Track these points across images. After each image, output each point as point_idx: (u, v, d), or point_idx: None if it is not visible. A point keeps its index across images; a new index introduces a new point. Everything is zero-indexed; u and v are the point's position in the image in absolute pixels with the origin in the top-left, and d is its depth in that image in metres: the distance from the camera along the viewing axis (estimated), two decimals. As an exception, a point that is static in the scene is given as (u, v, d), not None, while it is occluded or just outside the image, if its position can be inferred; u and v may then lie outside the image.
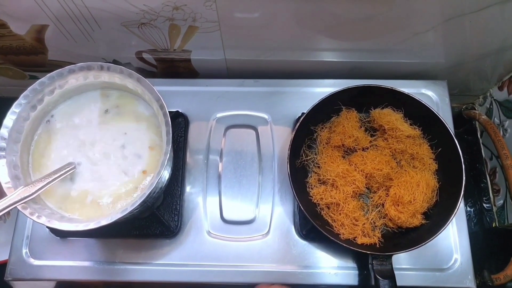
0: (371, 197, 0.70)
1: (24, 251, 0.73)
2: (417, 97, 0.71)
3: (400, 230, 0.68)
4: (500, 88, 0.89)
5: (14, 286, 0.74)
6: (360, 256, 0.70)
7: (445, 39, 0.76)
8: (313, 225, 0.65)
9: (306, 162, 0.73)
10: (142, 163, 0.65)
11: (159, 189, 0.66)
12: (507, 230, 0.87)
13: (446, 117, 0.79)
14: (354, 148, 0.73)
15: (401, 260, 0.71)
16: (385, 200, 0.69)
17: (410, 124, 0.73)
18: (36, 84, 0.63)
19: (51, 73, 0.64)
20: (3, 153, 0.60)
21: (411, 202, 0.67)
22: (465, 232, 0.73)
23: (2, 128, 0.61)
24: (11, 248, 0.73)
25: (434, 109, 0.70)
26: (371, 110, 0.75)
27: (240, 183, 0.77)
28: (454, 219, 0.66)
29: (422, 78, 0.84)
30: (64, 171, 0.63)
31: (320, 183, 0.71)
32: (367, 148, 0.73)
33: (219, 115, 0.82)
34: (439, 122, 0.69)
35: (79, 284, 0.74)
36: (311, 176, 0.72)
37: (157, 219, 0.72)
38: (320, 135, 0.74)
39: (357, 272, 0.71)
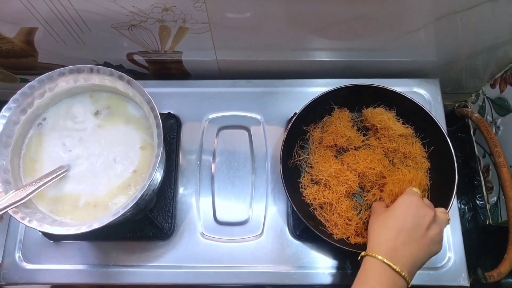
0: (365, 196, 0.70)
1: (17, 255, 0.73)
2: (409, 96, 0.71)
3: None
4: (492, 86, 0.89)
5: (8, 291, 0.74)
6: (353, 256, 0.70)
7: (436, 37, 0.76)
8: (306, 226, 0.65)
9: (299, 162, 0.73)
10: (134, 164, 0.65)
11: (151, 191, 0.66)
12: (501, 227, 0.87)
13: (439, 116, 0.79)
14: (346, 147, 0.73)
15: (395, 259, 0.71)
16: (379, 198, 0.69)
17: (403, 123, 0.73)
18: (25, 88, 0.63)
19: (41, 76, 0.64)
20: (-7, 158, 0.60)
21: None
22: (458, 230, 0.73)
23: (-9, 133, 0.61)
24: (4, 252, 0.73)
25: (426, 107, 0.70)
26: (363, 109, 0.75)
27: (233, 184, 0.77)
28: (447, 217, 0.66)
29: (414, 77, 0.84)
30: (55, 174, 0.62)
31: (313, 183, 0.71)
32: (360, 148, 0.73)
33: (211, 116, 0.82)
34: (432, 121, 0.70)
35: (73, 287, 0.74)
36: (303, 177, 0.72)
37: (150, 221, 0.72)
38: (313, 135, 0.74)
39: (351, 272, 0.71)
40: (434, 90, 0.83)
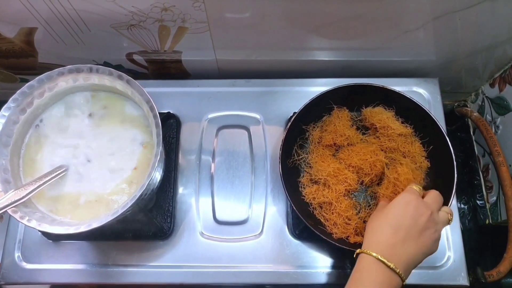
0: (367, 190, 0.70)
1: (16, 255, 0.73)
2: (408, 95, 0.71)
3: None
4: (492, 85, 0.89)
5: (7, 291, 0.74)
6: (353, 255, 0.70)
7: (435, 36, 0.76)
8: (306, 225, 0.65)
9: (298, 162, 0.73)
10: (133, 163, 0.65)
11: (150, 191, 0.66)
12: (500, 226, 0.87)
13: (438, 115, 0.79)
14: (345, 146, 0.73)
15: (394, 258, 0.71)
16: (378, 194, 0.68)
17: (402, 122, 0.73)
18: (25, 87, 0.63)
19: (40, 76, 0.64)
20: (-8, 157, 0.60)
21: None
22: (457, 229, 0.73)
23: (-9, 132, 0.61)
24: (3, 252, 0.73)
25: (425, 107, 0.70)
26: (363, 108, 0.75)
27: (233, 183, 0.77)
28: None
29: (413, 76, 0.84)
30: (55, 173, 0.63)
31: (313, 183, 0.71)
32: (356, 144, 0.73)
33: (211, 115, 0.82)
34: (431, 120, 0.70)
35: (72, 287, 0.74)
36: (303, 176, 0.72)
37: (149, 220, 0.72)
38: (312, 135, 0.74)
39: (350, 271, 0.70)
40: (433, 89, 0.83)
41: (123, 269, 0.72)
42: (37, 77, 0.63)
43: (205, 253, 0.72)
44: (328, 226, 0.67)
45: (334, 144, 0.72)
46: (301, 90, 0.83)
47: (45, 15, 0.69)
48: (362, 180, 0.70)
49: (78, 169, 0.65)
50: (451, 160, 0.66)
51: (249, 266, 0.71)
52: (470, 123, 0.97)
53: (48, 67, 0.85)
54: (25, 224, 0.57)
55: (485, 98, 0.92)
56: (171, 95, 0.83)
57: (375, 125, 0.73)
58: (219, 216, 0.75)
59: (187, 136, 0.80)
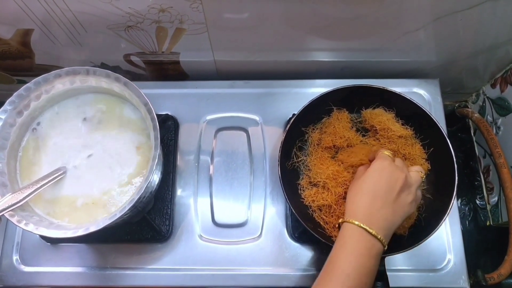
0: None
1: (14, 257, 0.73)
2: (408, 96, 0.70)
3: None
4: (493, 86, 0.89)
5: (5, 293, 0.73)
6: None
7: (436, 37, 0.75)
8: (305, 228, 0.64)
9: (297, 164, 0.72)
10: (131, 165, 0.65)
11: (149, 194, 0.65)
12: (501, 228, 0.87)
13: (439, 116, 0.79)
14: (345, 148, 0.72)
15: (394, 261, 0.71)
16: None
17: (402, 124, 0.73)
18: (21, 90, 0.62)
19: (37, 78, 0.63)
20: (-11, 161, 0.60)
21: None
22: (458, 232, 0.73)
23: (-13, 135, 0.60)
24: (1, 255, 0.73)
25: (426, 108, 0.70)
26: (363, 110, 0.75)
27: (232, 185, 0.76)
28: (447, 219, 0.66)
29: (414, 77, 0.84)
30: (52, 177, 0.62)
31: (312, 185, 0.70)
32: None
33: (209, 117, 0.81)
34: (431, 122, 0.69)
35: (70, 290, 0.73)
36: (302, 178, 0.71)
37: (148, 223, 0.72)
38: (311, 136, 0.73)
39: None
40: (433, 90, 0.82)
41: (122, 272, 0.71)
42: (34, 79, 0.63)
43: (203, 255, 0.72)
44: (328, 229, 0.66)
45: (334, 146, 0.71)
46: (300, 91, 0.83)
47: (41, 16, 0.68)
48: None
49: (76, 172, 0.65)
50: (452, 162, 0.66)
51: (248, 269, 0.71)
52: (470, 124, 0.96)
53: (45, 68, 0.84)
54: (22, 228, 0.56)
55: (486, 99, 0.91)
56: (169, 97, 0.83)
57: (375, 127, 0.72)
58: (218, 219, 0.74)
59: (186, 138, 0.80)
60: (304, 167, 0.72)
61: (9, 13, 0.68)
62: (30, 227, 0.57)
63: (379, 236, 0.53)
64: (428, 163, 0.71)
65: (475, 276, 0.72)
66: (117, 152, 0.66)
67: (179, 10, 0.67)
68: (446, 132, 0.68)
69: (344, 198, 0.68)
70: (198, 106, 0.82)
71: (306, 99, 0.71)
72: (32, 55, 0.80)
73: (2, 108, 0.62)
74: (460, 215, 0.75)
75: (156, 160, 0.60)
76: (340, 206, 0.67)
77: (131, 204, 0.58)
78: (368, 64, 0.84)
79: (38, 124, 0.67)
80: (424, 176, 0.62)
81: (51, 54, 0.80)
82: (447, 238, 0.72)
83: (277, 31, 0.74)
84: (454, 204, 0.68)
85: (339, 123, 0.72)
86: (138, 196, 0.58)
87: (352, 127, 0.74)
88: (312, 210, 0.68)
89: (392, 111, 0.73)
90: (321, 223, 0.67)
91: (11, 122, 0.63)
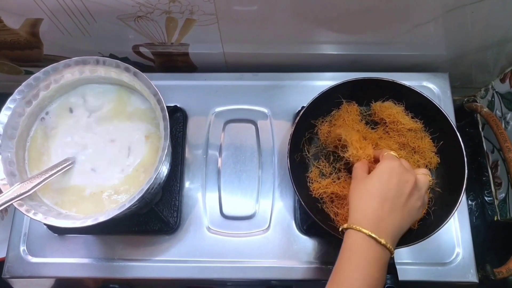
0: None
1: (21, 248, 0.72)
2: (418, 89, 0.70)
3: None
4: (502, 80, 0.88)
5: (12, 284, 0.73)
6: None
7: (446, 30, 0.75)
8: (313, 220, 0.64)
9: (306, 156, 0.72)
10: (140, 156, 0.65)
11: (157, 185, 0.65)
12: (509, 223, 0.87)
13: (448, 110, 0.78)
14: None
15: (403, 255, 0.70)
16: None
17: (412, 117, 0.72)
18: (31, 79, 0.62)
19: (46, 67, 0.63)
20: (-2, 150, 0.60)
21: None
22: (467, 226, 0.72)
23: (-4, 124, 0.60)
24: (9, 246, 0.73)
25: (435, 101, 0.69)
26: (372, 103, 0.74)
27: (240, 178, 0.76)
28: (456, 213, 0.65)
29: (423, 71, 0.83)
30: (61, 167, 0.62)
31: (321, 177, 0.70)
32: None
33: (218, 109, 0.81)
34: (441, 115, 0.68)
35: (78, 281, 0.73)
36: (311, 171, 0.71)
37: (156, 215, 0.72)
38: (321, 129, 0.73)
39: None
40: (443, 84, 0.82)
41: (129, 263, 0.71)
42: (43, 69, 0.63)
43: (211, 248, 0.72)
44: (338, 221, 0.66)
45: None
46: (309, 84, 0.82)
47: (51, 6, 0.68)
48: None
49: (84, 162, 0.65)
50: (462, 156, 0.65)
51: (256, 261, 0.71)
52: (479, 118, 0.96)
53: (53, 59, 0.84)
54: (31, 218, 0.56)
55: (495, 94, 0.91)
56: (178, 89, 0.82)
57: (385, 120, 0.72)
58: (226, 211, 0.74)
59: (194, 130, 0.79)
60: (314, 159, 0.72)
61: (19, 2, 0.67)
62: (39, 217, 0.57)
63: (388, 246, 0.50)
64: (437, 156, 0.70)
65: (484, 270, 0.72)
66: (125, 141, 0.66)
67: (189, 1, 0.66)
68: (455, 126, 0.68)
69: None
70: (207, 98, 0.82)
71: (315, 92, 0.70)
72: (41, 45, 0.80)
73: (11, 98, 0.62)
74: (467, 212, 0.75)
75: (166, 150, 0.59)
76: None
77: (140, 195, 0.58)
78: (378, 58, 0.84)
79: (47, 113, 0.67)
80: (432, 180, 0.58)
81: (59, 45, 0.80)
82: (455, 232, 0.72)
83: (287, 23, 0.74)
84: (464, 197, 0.68)
85: (349, 116, 0.72)
86: (147, 187, 0.58)
87: (362, 120, 0.73)
88: (322, 202, 0.68)
89: (401, 104, 0.73)
90: (331, 215, 0.67)
91: (20, 111, 0.63)
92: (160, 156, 0.60)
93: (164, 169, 0.67)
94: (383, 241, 0.49)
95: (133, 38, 0.78)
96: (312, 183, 0.70)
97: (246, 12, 0.70)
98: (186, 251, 0.72)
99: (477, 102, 0.96)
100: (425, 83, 0.82)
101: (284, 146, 0.75)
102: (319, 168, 0.71)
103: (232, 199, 0.75)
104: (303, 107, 0.71)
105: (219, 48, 0.81)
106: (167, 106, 0.61)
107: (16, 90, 0.62)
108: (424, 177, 0.56)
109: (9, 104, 0.62)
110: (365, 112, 0.75)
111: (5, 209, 0.93)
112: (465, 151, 0.66)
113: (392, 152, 0.58)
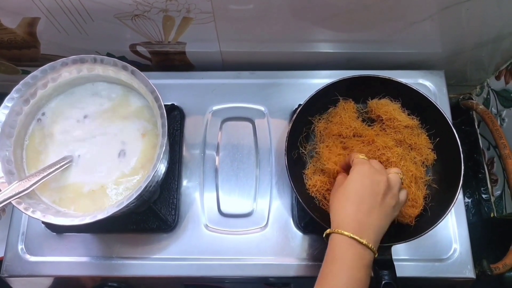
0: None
1: (20, 247, 0.72)
2: (414, 86, 0.71)
3: (399, 220, 0.68)
4: (497, 78, 0.89)
5: (11, 283, 0.73)
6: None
7: (441, 28, 0.75)
8: (311, 218, 0.64)
9: (303, 153, 0.73)
10: (137, 152, 0.65)
11: (155, 183, 0.65)
12: (505, 220, 0.87)
13: (444, 107, 0.78)
14: (352, 137, 0.72)
15: (400, 251, 0.71)
16: None
17: (408, 114, 0.73)
18: (28, 78, 0.62)
19: (44, 66, 0.63)
20: (-4, 148, 0.60)
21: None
22: (464, 222, 0.73)
23: (-6, 123, 0.60)
24: (7, 245, 0.73)
25: (431, 98, 0.70)
26: (369, 100, 0.75)
27: (237, 176, 0.76)
28: (453, 209, 0.66)
29: (419, 68, 0.84)
30: (59, 165, 0.62)
31: (316, 174, 0.70)
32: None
33: (215, 107, 0.81)
34: (437, 112, 0.69)
35: (76, 279, 0.73)
36: (307, 168, 0.71)
37: (154, 213, 0.72)
38: (318, 126, 0.73)
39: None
40: (439, 81, 0.82)
41: (127, 261, 0.71)
42: (40, 68, 0.63)
43: (209, 245, 0.72)
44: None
45: (340, 135, 0.71)
46: (306, 82, 0.83)
47: (48, 4, 0.68)
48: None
49: (82, 160, 0.65)
50: (458, 152, 0.66)
51: (254, 258, 0.71)
52: (474, 116, 0.96)
53: (51, 58, 0.83)
54: (29, 216, 0.56)
55: (490, 91, 0.91)
56: (175, 87, 0.83)
57: (381, 117, 0.72)
58: (224, 209, 0.74)
59: (191, 129, 0.80)
60: (310, 156, 0.72)
61: (16, 2, 0.67)
62: (37, 215, 0.57)
63: (370, 245, 0.51)
64: (434, 153, 0.71)
65: (481, 266, 0.72)
66: (123, 139, 0.66)
67: (186, -1, 0.67)
68: (452, 122, 0.68)
69: None
70: (204, 97, 0.82)
71: (311, 90, 0.71)
72: (38, 44, 0.80)
73: (9, 96, 0.62)
74: (464, 208, 0.75)
75: (164, 147, 0.60)
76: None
77: (138, 192, 0.58)
78: (374, 56, 0.84)
79: (43, 114, 0.67)
80: (403, 177, 0.60)
81: (56, 44, 0.80)
82: (452, 228, 0.72)
83: (283, 22, 0.74)
84: (460, 193, 0.68)
85: (346, 113, 0.72)
86: (145, 184, 0.58)
87: (358, 117, 0.74)
88: (319, 200, 0.69)
89: (398, 101, 0.73)
90: (328, 212, 0.67)
91: (18, 110, 0.63)
92: (158, 154, 0.60)
93: (162, 167, 0.67)
94: (364, 241, 0.51)
95: (130, 37, 0.78)
96: (308, 180, 0.70)
97: (242, 10, 0.71)
98: (184, 249, 0.72)
99: (472, 99, 0.97)
100: (421, 81, 0.82)
101: (281, 144, 0.75)
102: (314, 165, 0.71)
103: (230, 197, 0.75)
104: (300, 105, 0.71)
105: (216, 46, 0.81)
106: (164, 105, 0.62)
107: (14, 89, 0.62)
108: (395, 175, 0.58)
109: (7, 102, 0.62)
110: (362, 109, 0.75)
111: (3, 209, 0.94)
112: (461, 147, 0.66)
113: (360, 156, 0.59)
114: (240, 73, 0.84)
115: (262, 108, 0.81)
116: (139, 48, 0.83)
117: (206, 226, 0.73)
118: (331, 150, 0.70)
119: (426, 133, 0.72)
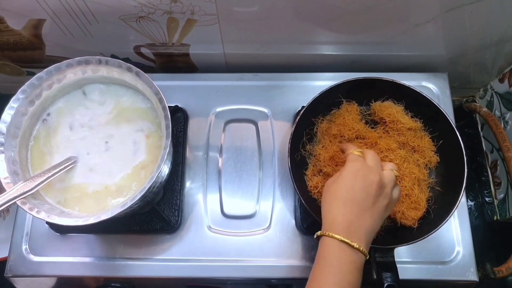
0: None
1: (24, 247, 0.73)
2: (418, 89, 0.71)
3: (402, 222, 0.68)
4: (501, 80, 0.89)
5: (15, 283, 0.73)
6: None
7: (445, 30, 0.75)
8: (314, 219, 0.64)
9: (306, 155, 0.73)
10: (141, 154, 0.65)
11: (159, 184, 0.66)
12: (509, 223, 0.87)
13: (447, 110, 0.79)
14: (354, 139, 0.72)
15: (403, 253, 0.71)
16: None
17: (411, 117, 0.73)
18: (34, 79, 0.63)
19: (49, 67, 0.63)
20: (1, 148, 0.60)
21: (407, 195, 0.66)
22: (467, 225, 0.73)
23: (0, 123, 0.61)
24: (11, 245, 0.73)
25: (435, 101, 0.70)
26: (372, 103, 0.75)
27: (241, 178, 0.76)
28: (456, 211, 0.66)
29: (422, 71, 0.84)
30: (63, 166, 0.62)
31: (316, 175, 0.70)
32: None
33: (218, 109, 0.81)
34: (440, 114, 0.69)
35: (79, 280, 0.73)
36: (308, 168, 0.71)
37: (157, 214, 0.72)
38: (320, 127, 0.73)
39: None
40: (442, 84, 0.82)
41: (130, 262, 0.71)
42: (46, 69, 0.63)
43: (212, 247, 0.72)
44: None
45: (342, 136, 0.71)
46: (309, 84, 0.83)
47: (54, 6, 0.69)
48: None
49: (87, 161, 0.65)
50: (461, 154, 0.66)
51: (256, 260, 0.71)
52: (478, 118, 0.96)
53: (55, 60, 0.84)
54: (34, 216, 0.57)
55: (494, 94, 0.91)
56: (179, 89, 0.83)
57: (385, 119, 0.72)
58: (227, 210, 0.74)
59: (195, 130, 0.80)
60: (310, 157, 0.72)
61: (22, 3, 0.68)
62: (42, 215, 0.57)
63: (361, 249, 0.50)
64: (437, 155, 0.71)
65: (484, 269, 0.72)
66: (126, 140, 0.66)
67: (191, 1, 0.67)
68: (455, 125, 0.68)
69: None
70: (207, 98, 0.82)
71: (315, 92, 0.71)
72: (43, 46, 0.80)
73: (14, 97, 0.62)
74: (467, 211, 0.75)
75: (168, 149, 0.60)
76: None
77: (142, 193, 0.58)
78: (378, 58, 0.84)
79: (48, 115, 0.68)
80: (398, 174, 0.58)
81: (61, 45, 0.80)
82: (455, 231, 0.72)
83: (287, 24, 0.74)
84: (463, 196, 0.68)
85: (349, 115, 0.72)
86: (149, 185, 0.58)
87: (362, 119, 0.74)
88: (320, 202, 0.68)
89: (401, 103, 0.74)
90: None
91: (23, 111, 0.63)
92: (162, 155, 0.60)
93: (166, 168, 0.67)
94: (355, 245, 0.50)
95: (134, 39, 0.79)
96: (309, 181, 0.70)
97: (247, 12, 0.71)
98: (187, 250, 0.72)
99: (476, 102, 0.96)
100: (424, 83, 0.83)
101: (284, 146, 0.75)
102: (315, 165, 0.71)
103: (233, 199, 0.75)
104: (303, 106, 0.72)
105: (219, 48, 0.82)
106: (168, 106, 0.62)
107: (19, 90, 0.62)
108: (389, 172, 0.56)
109: (12, 103, 0.62)
110: (365, 111, 0.75)
111: (7, 209, 0.94)
112: (464, 150, 0.66)
113: (355, 152, 0.58)
114: (244, 75, 0.84)
115: (265, 110, 0.81)
116: (143, 50, 0.83)
117: (209, 228, 0.73)
118: (327, 149, 0.69)
119: (429, 136, 0.72)
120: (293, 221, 0.73)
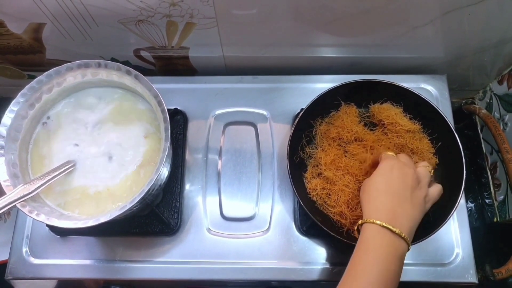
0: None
1: (24, 250, 0.73)
2: (416, 91, 0.71)
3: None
4: (500, 82, 0.89)
5: (15, 286, 0.74)
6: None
7: (444, 32, 0.76)
8: (313, 221, 0.64)
9: (305, 157, 0.73)
10: (140, 156, 0.66)
11: (158, 186, 0.66)
12: (508, 224, 0.87)
13: (446, 112, 0.78)
14: (353, 141, 0.72)
15: (402, 255, 0.71)
16: None
17: (410, 119, 0.73)
18: (34, 82, 0.63)
19: (49, 71, 0.64)
20: (2, 151, 0.60)
21: None
22: (466, 226, 0.73)
23: (0, 126, 0.61)
24: (11, 247, 0.73)
25: (433, 103, 0.70)
26: (371, 105, 0.75)
27: (240, 180, 0.77)
28: (455, 213, 0.66)
29: (421, 73, 0.84)
30: (63, 169, 0.63)
31: (315, 177, 0.70)
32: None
33: (218, 112, 0.82)
34: (439, 116, 0.69)
35: (79, 282, 0.74)
36: (307, 170, 0.72)
37: (157, 216, 0.72)
38: (319, 129, 0.74)
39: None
40: (441, 86, 0.83)
41: (130, 264, 0.72)
42: (46, 72, 0.64)
43: (212, 249, 0.72)
44: (338, 221, 0.66)
45: (340, 138, 0.72)
46: (308, 86, 0.83)
47: (54, 10, 0.69)
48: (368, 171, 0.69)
49: (86, 164, 0.65)
50: (460, 156, 0.66)
51: (256, 262, 0.71)
52: (477, 120, 0.96)
53: (56, 63, 0.85)
54: (33, 218, 0.57)
55: (493, 96, 0.91)
56: (178, 92, 0.83)
57: (383, 121, 0.72)
58: (226, 212, 0.75)
59: (194, 133, 0.80)
60: (309, 159, 0.72)
61: (22, 7, 0.68)
62: (42, 218, 0.58)
63: (403, 235, 0.50)
64: (436, 157, 0.71)
65: (483, 271, 0.72)
66: (125, 143, 0.66)
67: (190, 4, 0.67)
68: (453, 126, 0.68)
69: (345, 185, 0.67)
70: (207, 101, 0.82)
71: (314, 94, 0.71)
72: (43, 49, 0.81)
73: (14, 100, 0.63)
74: (467, 213, 0.75)
75: (167, 151, 0.60)
76: (342, 193, 0.66)
77: (141, 196, 0.58)
78: (377, 60, 0.84)
79: (48, 118, 0.68)
80: (432, 171, 0.61)
81: (62, 49, 0.81)
82: (455, 233, 0.72)
83: (286, 26, 0.75)
84: (462, 197, 0.68)
85: (348, 117, 0.73)
86: (148, 188, 0.58)
87: (360, 122, 0.74)
88: (319, 204, 0.69)
89: (400, 106, 0.74)
90: (330, 215, 0.67)
91: (23, 114, 0.64)
92: (161, 158, 0.60)
93: (165, 171, 0.68)
94: (397, 230, 0.50)
95: (134, 42, 0.79)
96: (308, 183, 0.70)
97: (245, 15, 0.71)
98: (187, 252, 0.72)
99: (475, 104, 0.97)
100: (423, 85, 0.83)
101: (283, 148, 0.76)
102: (313, 167, 0.71)
103: (232, 201, 0.75)
104: (302, 109, 0.72)
105: (219, 51, 0.82)
106: (167, 109, 0.62)
107: (20, 93, 0.62)
108: (423, 169, 0.59)
109: (13, 106, 0.63)
110: (364, 113, 0.75)
111: (8, 212, 0.95)
112: (464, 152, 0.66)
113: (389, 153, 0.61)
114: (243, 77, 0.84)
115: (264, 112, 0.81)
116: (143, 53, 0.84)
117: (209, 230, 0.73)
118: (328, 153, 0.70)
119: (428, 138, 0.72)
120: (293, 223, 0.74)
